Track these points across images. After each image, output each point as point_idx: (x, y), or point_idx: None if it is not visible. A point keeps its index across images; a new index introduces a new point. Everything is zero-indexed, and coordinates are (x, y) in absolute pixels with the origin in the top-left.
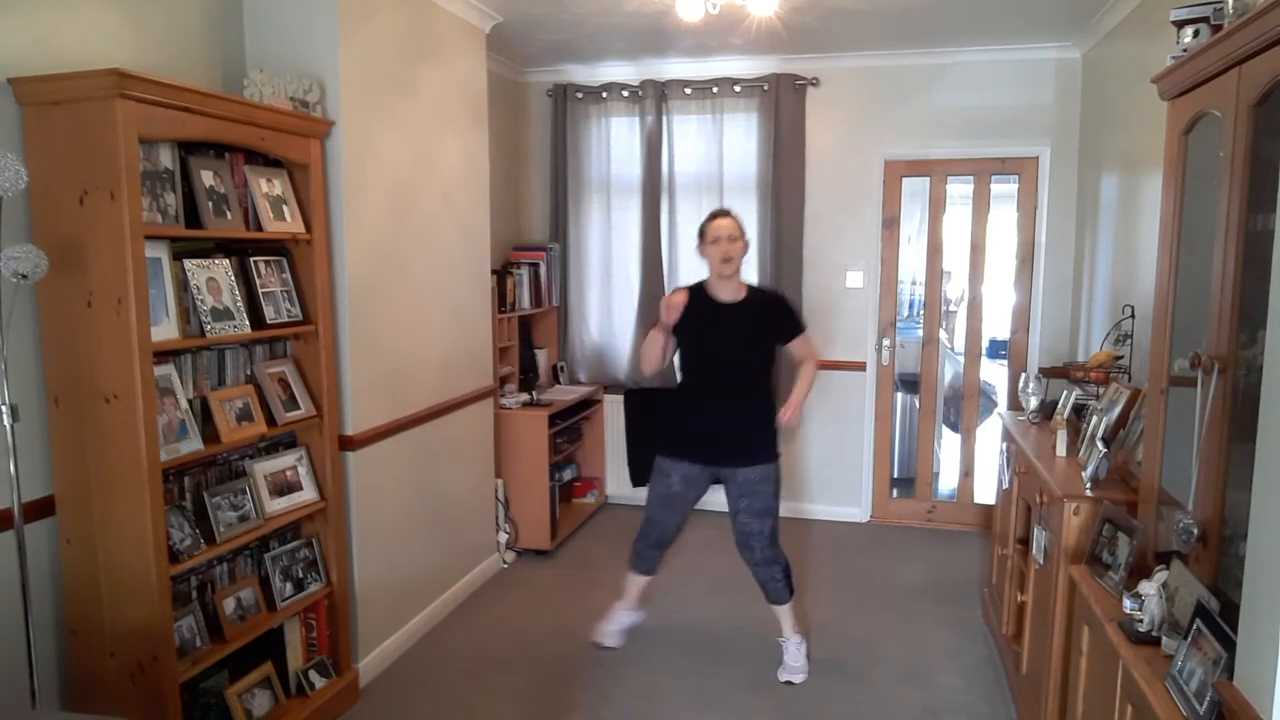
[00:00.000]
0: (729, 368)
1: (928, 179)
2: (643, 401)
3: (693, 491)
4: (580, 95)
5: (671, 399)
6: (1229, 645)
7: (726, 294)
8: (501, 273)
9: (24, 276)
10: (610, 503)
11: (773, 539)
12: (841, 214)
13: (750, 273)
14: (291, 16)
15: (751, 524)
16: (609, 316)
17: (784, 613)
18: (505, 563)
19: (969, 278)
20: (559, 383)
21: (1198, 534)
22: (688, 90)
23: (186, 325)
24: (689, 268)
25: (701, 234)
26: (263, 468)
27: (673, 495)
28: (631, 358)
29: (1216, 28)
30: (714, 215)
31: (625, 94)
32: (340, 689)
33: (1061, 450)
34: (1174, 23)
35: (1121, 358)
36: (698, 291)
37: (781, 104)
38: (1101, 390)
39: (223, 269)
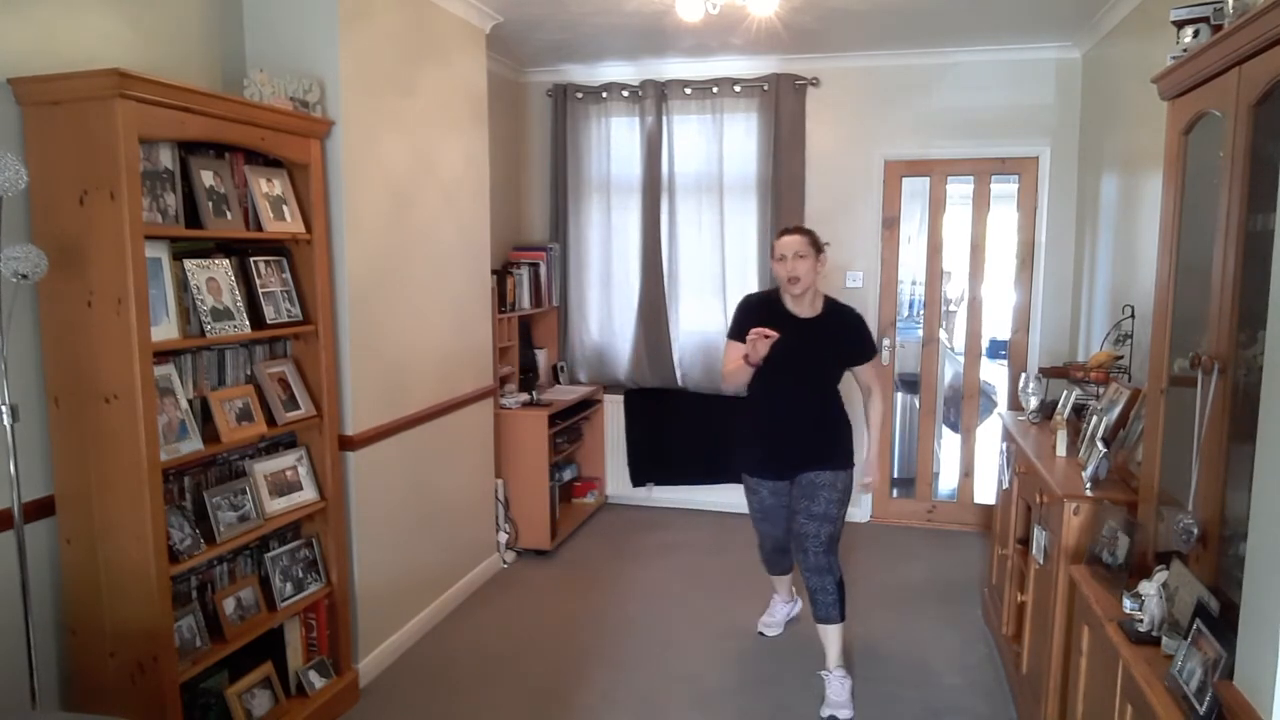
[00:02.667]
0: (804, 384)
1: (928, 179)
2: (643, 401)
3: (784, 499)
4: (580, 95)
5: (742, 413)
6: (1229, 645)
7: (803, 308)
8: (501, 273)
9: (24, 276)
10: (610, 503)
11: (830, 545)
12: (841, 214)
13: (749, 275)
14: (291, 16)
15: (808, 525)
16: (609, 316)
17: (831, 637)
18: (505, 563)
19: (969, 278)
20: (559, 383)
21: (1198, 534)
22: (688, 90)
23: (186, 325)
24: (689, 267)
25: (771, 250)
26: (263, 468)
27: (767, 508)
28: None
29: (1216, 28)
30: (782, 232)
31: (625, 94)
32: (340, 689)
33: (1061, 450)
34: (1174, 23)
35: (1121, 358)
36: (772, 304)
37: (781, 104)
38: (1101, 390)
39: (223, 269)
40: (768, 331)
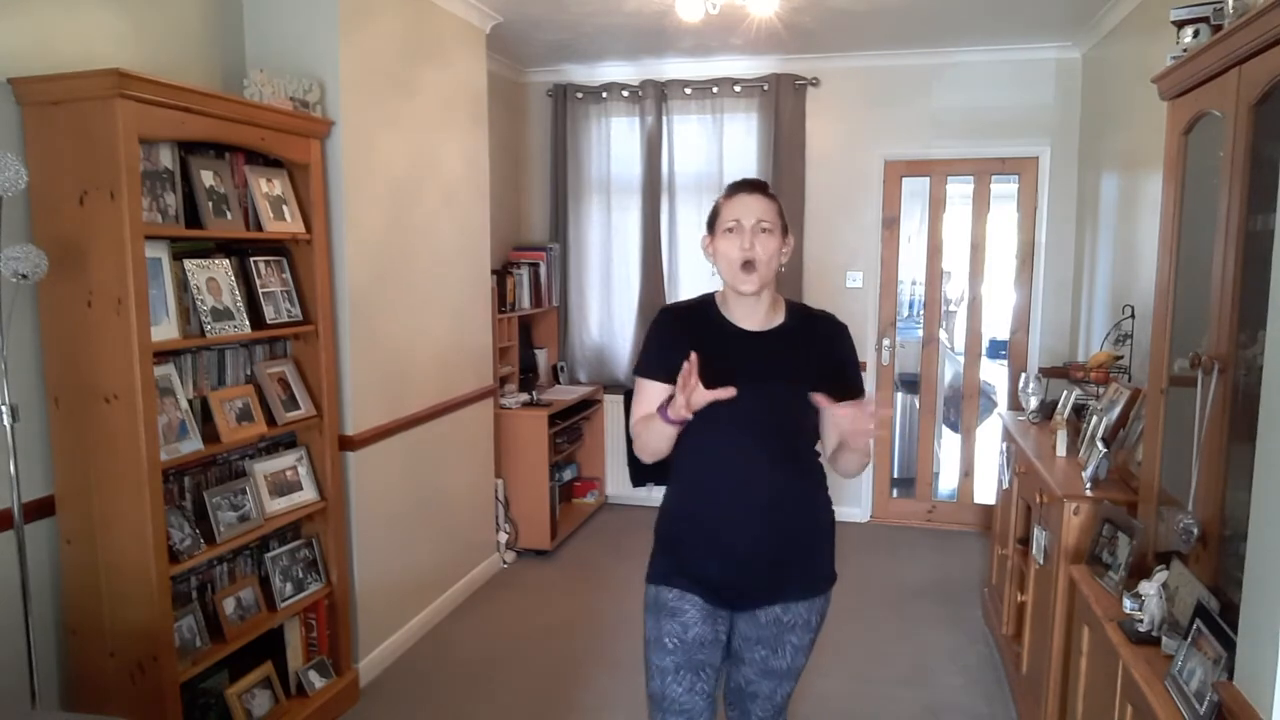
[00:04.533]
0: (765, 446)
1: (928, 179)
2: None
3: (722, 633)
4: (580, 95)
5: (668, 496)
6: (1229, 645)
7: (756, 317)
8: (501, 273)
9: (24, 276)
10: (610, 503)
11: (784, 707)
12: (841, 214)
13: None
14: (291, 16)
15: (760, 684)
16: (609, 316)
17: None
18: (505, 563)
19: (969, 278)
20: (559, 383)
21: (1198, 534)
22: (688, 90)
23: (186, 325)
24: (689, 268)
25: (712, 219)
26: (263, 468)
27: (690, 648)
28: (635, 441)
29: (1216, 28)
30: (733, 189)
31: (625, 94)
32: (340, 689)
33: (1061, 450)
34: (1174, 23)
35: (1121, 358)
36: (706, 315)
37: (781, 104)
38: (1101, 390)
39: (223, 269)
40: (695, 383)
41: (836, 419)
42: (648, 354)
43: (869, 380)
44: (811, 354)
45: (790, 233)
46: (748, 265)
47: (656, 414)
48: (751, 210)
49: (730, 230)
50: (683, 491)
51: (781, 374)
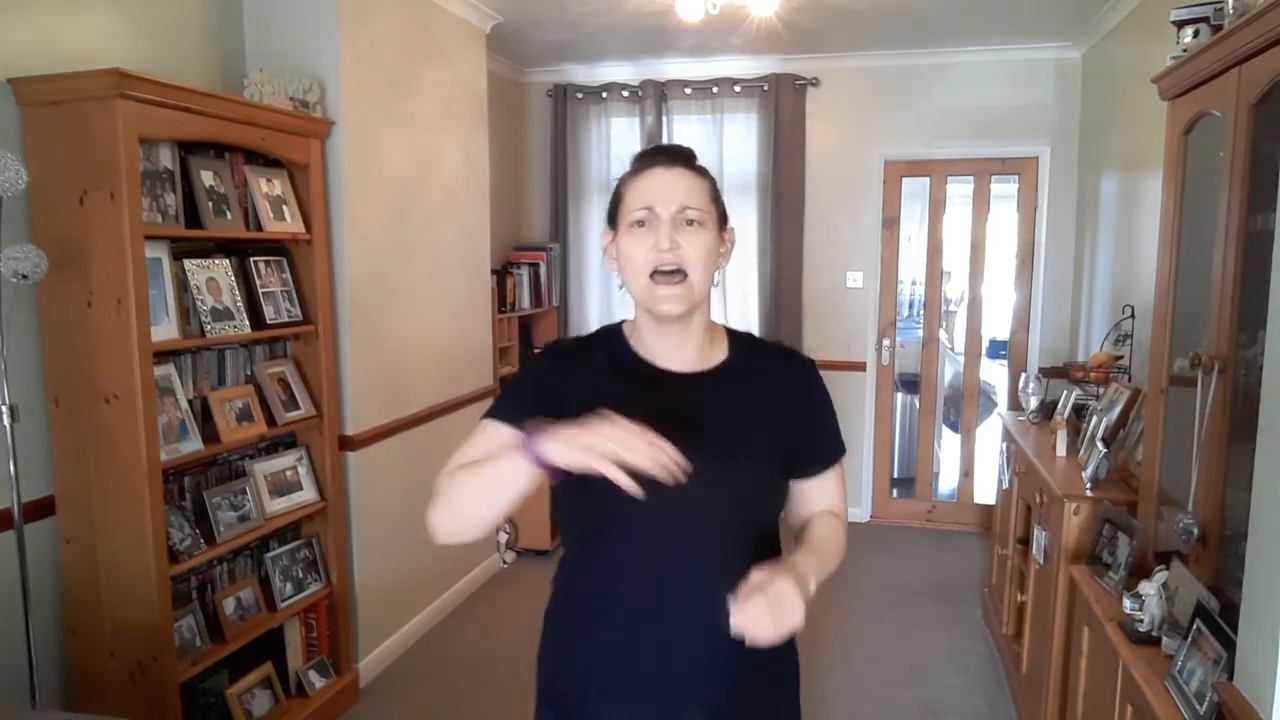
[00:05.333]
0: (694, 535)
1: (928, 179)
2: None
3: None
4: (580, 95)
5: (551, 612)
6: (1229, 645)
7: (680, 352)
8: (501, 273)
9: (24, 276)
10: None
11: None
12: (841, 214)
13: (749, 275)
14: (291, 16)
15: None
16: (609, 317)
17: None
18: (505, 563)
19: (969, 278)
20: None
21: (1198, 534)
22: (688, 90)
23: (186, 325)
24: None
25: (614, 208)
26: (263, 468)
27: None
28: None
29: (1216, 28)
30: (644, 160)
31: (625, 94)
32: (340, 689)
33: (1061, 450)
34: (1174, 23)
35: (1121, 358)
36: (607, 349)
37: (781, 104)
38: (1101, 390)
39: (223, 269)
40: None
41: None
42: (505, 399)
43: (868, 379)
44: (769, 405)
45: (730, 224)
46: (667, 275)
47: (511, 447)
48: (671, 192)
49: (640, 223)
50: (571, 613)
51: (725, 437)
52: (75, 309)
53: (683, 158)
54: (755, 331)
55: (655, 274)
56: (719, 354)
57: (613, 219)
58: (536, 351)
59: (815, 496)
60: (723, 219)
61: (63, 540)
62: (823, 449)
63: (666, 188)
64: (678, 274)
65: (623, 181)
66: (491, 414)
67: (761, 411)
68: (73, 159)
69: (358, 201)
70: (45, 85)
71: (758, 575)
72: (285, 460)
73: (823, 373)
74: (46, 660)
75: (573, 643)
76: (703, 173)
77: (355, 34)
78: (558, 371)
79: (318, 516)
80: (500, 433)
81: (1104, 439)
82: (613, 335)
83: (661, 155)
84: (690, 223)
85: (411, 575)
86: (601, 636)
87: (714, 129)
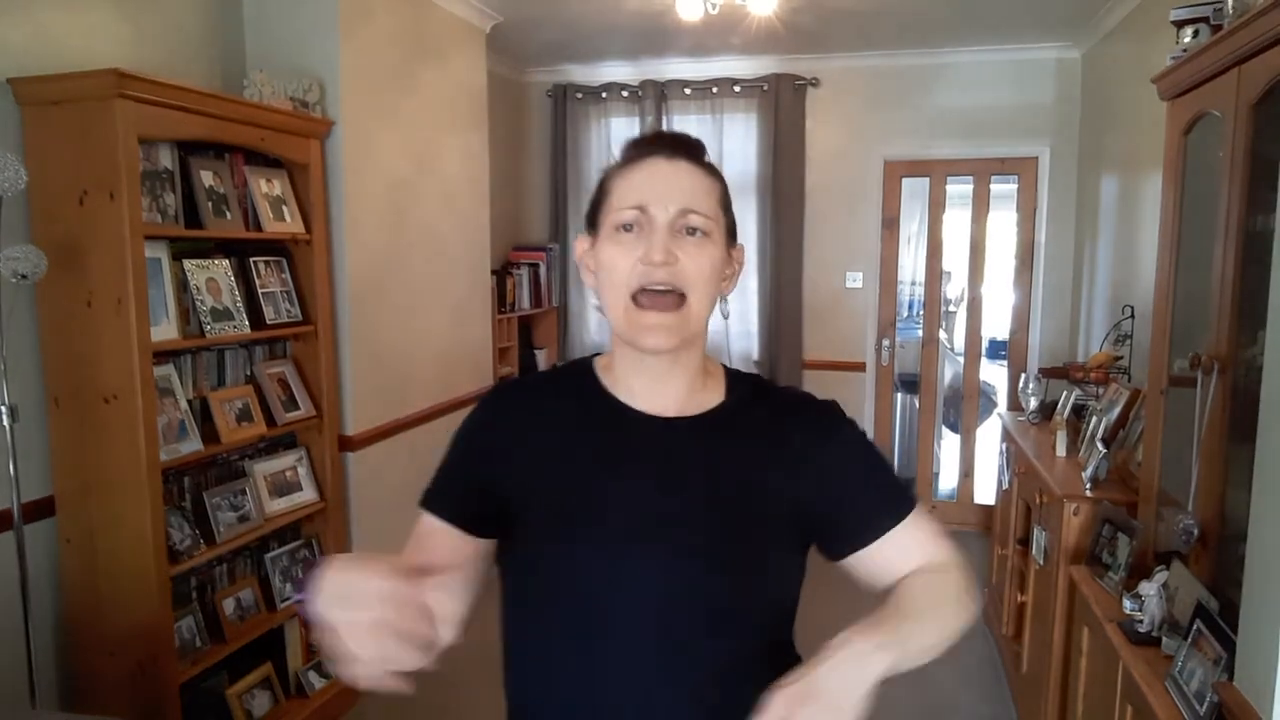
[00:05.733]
0: (679, 643)
1: (928, 179)
2: None
3: None
4: (580, 95)
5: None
6: (1229, 645)
7: (664, 393)
8: (501, 273)
9: (24, 276)
10: None
11: None
12: (841, 214)
13: (749, 276)
14: (291, 16)
15: None
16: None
17: None
18: None
19: (969, 278)
20: None
21: (1198, 534)
22: (687, 90)
23: (186, 325)
24: None
25: (595, 206)
26: (262, 468)
27: None
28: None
29: (1216, 28)
30: (641, 147)
31: (625, 94)
32: (340, 689)
33: (1061, 450)
34: (1174, 23)
35: (1121, 358)
36: (573, 389)
37: (781, 104)
38: (1101, 390)
39: (223, 269)
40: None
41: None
42: (440, 473)
43: (868, 379)
44: (774, 465)
45: (737, 239)
46: (656, 296)
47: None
48: (671, 190)
49: (627, 227)
50: None
51: (712, 503)
52: (75, 309)
53: (689, 149)
54: (754, 331)
55: (641, 293)
56: (713, 397)
57: (593, 220)
58: (486, 393)
59: (897, 561)
60: (731, 233)
61: (62, 540)
62: (879, 508)
63: (666, 184)
64: (671, 295)
65: (610, 174)
66: (425, 500)
67: (762, 470)
68: (72, 159)
69: (358, 201)
70: (45, 85)
71: (777, 707)
72: (285, 460)
73: (822, 373)
74: (46, 660)
75: None
76: (712, 171)
77: (355, 34)
78: (506, 423)
79: (317, 517)
80: (435, 534)
81: (1104, 439)
82: (582, 373)
83: (663, 144)
84: (692, 231)
85: None
86: None
87: (714, 129)
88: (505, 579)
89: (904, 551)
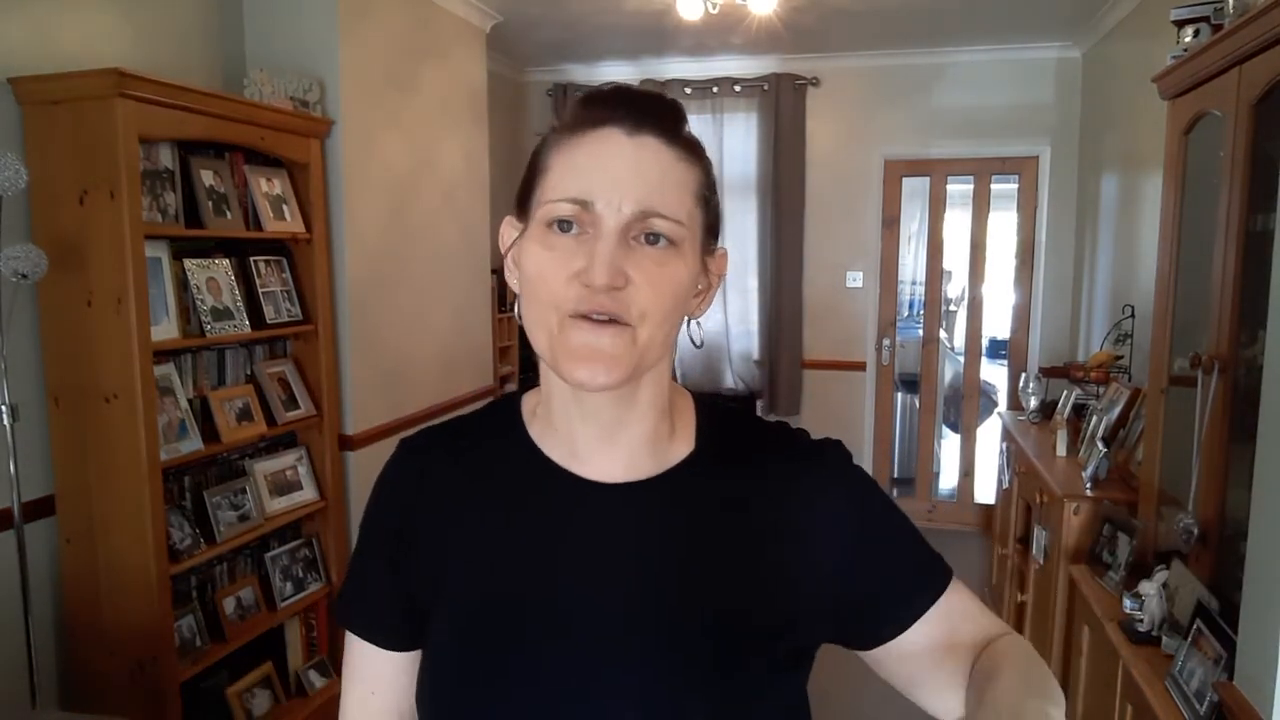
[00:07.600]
0: None
1: (928, 179)
2: None
3: None
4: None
5: None
6: (1229, 645)
7: (612, 449)
8: (501, 272)
9: (24, 276)
10: None
11: None
12: (841, 214)
13: (749, 276)
14: (291, 16)
15: None
16: None
17: None
18: None
19: (969, 277)
20: None
21: (1198, 534)
22: (688, 90)
23: (186, 325)
24: None
25: (527, 187)
26: (263, 467)
27: None
28: None
29: (1216, 27)
30: (589, 106)
31: None
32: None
33: (1061, 450)
34: (1174, 22)
35: (1121, 358)
36: (495, 445)
37: (781, 104)
38: (1101, 390)
39: (223, 269)
40: None
41: None
42: (354, 567)
43: (868, 379)
44: (780, 542)
45: (718, 240)
46: (596, 323)
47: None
48: (629, 179)
49: (564, 225)
50: None
51: (674, 599)
52: (75, 308)
53: (659, 118)
54: (754, 331)
55: (575, 316)
56: (680, 448)
57: (523, 203)
58: (390, 459)
59: (942, 643)
60: (712, 234)
61: (62, 540)
62: (911, 582)
63: (622, 172)
64: (613, 324)
65: (549, 143)
66: (340, 615)
67: (754, 548)
68: (72, 158)
69: (358, 201)
70: (45, 85)
71: None
72: (285, 460)
73: (822, 373)
74: (46, 659)
75: None
76: (691, 150)
77: (355, 34)
78: (418, 502)
79: (318, 516)
80: (368, 659)
81: (1104, 439)
82: (508, 425)
83: (625, 107)
84: (654, 239)
85: None
86: None
87: (714, 129)
88: (436, 676)
89: (951, 632)
